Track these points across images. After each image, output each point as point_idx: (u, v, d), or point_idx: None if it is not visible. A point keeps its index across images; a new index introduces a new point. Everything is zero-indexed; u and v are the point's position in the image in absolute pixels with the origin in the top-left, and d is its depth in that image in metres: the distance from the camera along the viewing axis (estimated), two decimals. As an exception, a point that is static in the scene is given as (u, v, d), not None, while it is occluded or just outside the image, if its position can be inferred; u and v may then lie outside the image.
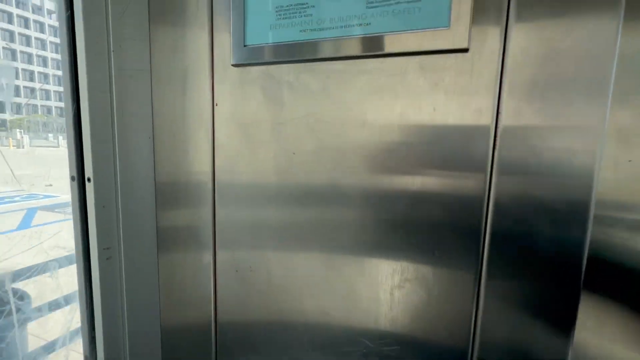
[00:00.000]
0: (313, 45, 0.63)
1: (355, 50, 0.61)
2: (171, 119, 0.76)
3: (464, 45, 0.55)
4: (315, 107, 0.66)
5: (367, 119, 0.63)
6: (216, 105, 0.74)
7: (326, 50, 0.63)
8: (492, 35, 0.54)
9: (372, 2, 0.59)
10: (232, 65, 0.70)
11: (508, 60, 0.54)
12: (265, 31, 0.67)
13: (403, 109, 0.60)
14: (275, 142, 0.70)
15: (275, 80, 0.68)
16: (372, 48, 0.60)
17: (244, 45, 0.69)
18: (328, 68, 0.64)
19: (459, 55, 0.56)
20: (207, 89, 0.74)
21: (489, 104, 0.55)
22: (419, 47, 0.57)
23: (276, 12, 0.65)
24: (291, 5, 0.64)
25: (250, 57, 0.68)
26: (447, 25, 0.55)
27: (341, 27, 0.61)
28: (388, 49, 0.59)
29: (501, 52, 0.54)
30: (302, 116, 0.67)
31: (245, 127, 0.72)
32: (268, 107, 0.70)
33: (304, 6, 0.63)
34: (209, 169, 0.76)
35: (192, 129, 0.76)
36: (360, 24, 0.60)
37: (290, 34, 0.65)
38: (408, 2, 0.57)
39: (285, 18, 0.65)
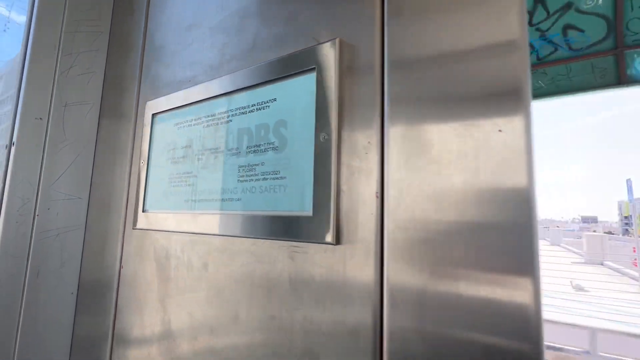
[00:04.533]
0: (194, 216, 0.56)
1: (229, 229, 0.51)
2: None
3: (327, 239, 0.40)
4: (195, 286, 0.55)
5: (239, 314, 0.48)
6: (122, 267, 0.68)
7: (205, 225, 0.54)
8: (367, 228, 0.39)
9: (242, 176, 0.50)
10: (133, 228, 0.66)
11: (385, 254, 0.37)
12: (159, 199, 0.63)
13: (273, 311, 0.45)
14: (161, 319, 0.59)
15: (164, 249, 0.61)
16: (244, 230, 0.49)
17: (143, 211, 0.65)
18: (209, 242, 0.55)
19: (328, 247, 0.41)
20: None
21: (368, 319, 0.37)
22: (283, 233, 0.44)
23: (169, 179, 0.62)
24: (180, 174, 0.60)
25: (147, 224, 0.64)
26: (310, 211, 0.42)
27: (216, 200, 0.53)
28: (255, 231, 0.47)
29: (379, 244, 0.38)
30: (185, 293, 0.56)
31: (143, 292, 0.63)
32: (159, 276, 0.61)
33: (189, 175, 0.58)
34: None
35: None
36: (231, 199, 0.51)
37: (178, 204, 0.59)
38: (273, 177, 0.47)
39: (175, 186, 0.60)
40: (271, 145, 0.48)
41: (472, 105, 0.34)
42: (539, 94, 3.22)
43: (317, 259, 0.42)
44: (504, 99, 0.33)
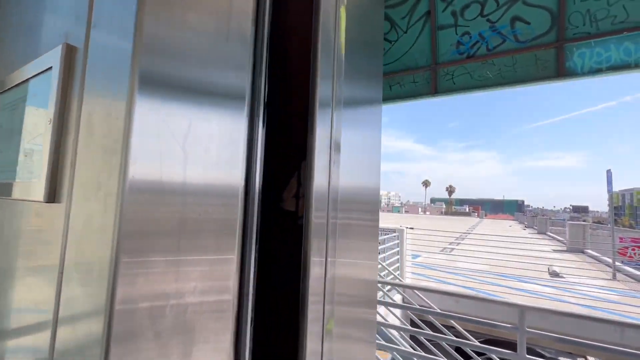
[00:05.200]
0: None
1: (7, 193, 0.64)
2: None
3: (42, 198, 0.53)
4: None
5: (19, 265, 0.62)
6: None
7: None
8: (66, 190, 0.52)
9: (17, 152, 0.63)
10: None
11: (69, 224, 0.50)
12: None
13: (17, 252, 0.59)
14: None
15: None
16: (8, 193, 0.62)
17: (-25, 181, 0.77)
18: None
19: (52, 206, 0.54)
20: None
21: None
22: (26, 195, 0.58)
23: (-11, 155, 0.74)
24: None
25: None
26: (38, 177, 0.55)
27: (4, 171, 0.66)
28: (10, 194, 0.61)
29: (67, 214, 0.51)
30: None
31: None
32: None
33: (-3, 152, 0.71)
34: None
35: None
36: (10, 170, 0.64)
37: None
38: (28, 153, 0.59)
39: (-9, 161, 0.73)
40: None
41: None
42: (486, 84, 3.32)
43: (43, 213, 0.55)
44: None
